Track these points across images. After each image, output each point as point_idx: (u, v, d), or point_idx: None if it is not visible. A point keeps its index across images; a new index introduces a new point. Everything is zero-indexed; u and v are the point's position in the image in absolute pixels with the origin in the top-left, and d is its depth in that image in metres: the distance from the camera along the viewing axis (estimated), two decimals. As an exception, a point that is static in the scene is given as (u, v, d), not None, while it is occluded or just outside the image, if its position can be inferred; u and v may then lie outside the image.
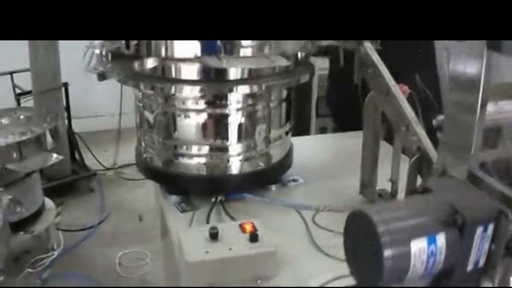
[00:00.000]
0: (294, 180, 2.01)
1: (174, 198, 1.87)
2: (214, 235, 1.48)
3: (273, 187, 1.94)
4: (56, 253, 3.78)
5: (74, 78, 4.37)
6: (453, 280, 0.87)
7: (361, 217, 0.84)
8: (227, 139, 1.79)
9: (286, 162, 1.96)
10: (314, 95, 4.27)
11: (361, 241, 0.85)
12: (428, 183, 0.94)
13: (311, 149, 2.35)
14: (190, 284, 1.45)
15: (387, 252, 0.80)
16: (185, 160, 1.84)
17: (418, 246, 0.81)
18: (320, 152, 2.35)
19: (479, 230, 0.85)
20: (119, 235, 4.14)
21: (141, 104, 1.86)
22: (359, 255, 0.87)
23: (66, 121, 4.63)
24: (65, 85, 4.46)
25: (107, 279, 3.75)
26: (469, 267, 0.88)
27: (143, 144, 1.93)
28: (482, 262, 0.89)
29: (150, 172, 1.93)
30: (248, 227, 1.53)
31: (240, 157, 1.82)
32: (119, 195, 4.60)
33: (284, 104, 1.89)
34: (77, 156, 4.74)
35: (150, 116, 1.84)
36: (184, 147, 1.82)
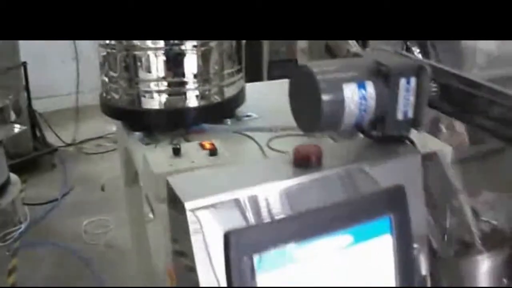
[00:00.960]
0: (248, 116, 2.11)
1: (137, 134, 1.95)
2: (176, 151, 1.58)
3: (229, 121, 2.04)
4: (23, 226, 3.87)
5: (32, 59, 4.42)
6: (386, 126, 1.01)
7: (303, 69, 0.97)
8: (184, 75, 1.90)
9: (239, 97, 2.08)
10: (266, 58, 4.39)
11: (303, 92, 0.98)
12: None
13: (263, 92, 2.45)
14: (156, 197, 1.53)
15: (325, 97, 0.93)
16: (146, 98, 1.94)
17: (350, 89, 0.95)
18: (272, 94, 2.46)
19: (402, 81, 0.99)
20: (83, 206, 4.22)
21: (104, 49, 1.95)
22: (302, 106, 1.00)
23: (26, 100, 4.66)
24: (24, 64, 4.50)
25: (74, 246, 3.79)
26: (399, 116, 1.02)
27: (107, 87, 2.02)
28: (410, 113, 1.04)
29: (115, 112, 2.02)
30: (208, 145, 1.62)
31: (197, 92, 1.93)
32: (80, 168, 4.67)
33: (234, 44, 2.00)
34: (38, 133, 4.78)
35: (112, 59, 1.93)
36: (145, 85, 1.92)
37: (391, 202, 1.04)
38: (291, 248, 0.94)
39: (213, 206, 0.90)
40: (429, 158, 1.30)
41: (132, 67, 1.90)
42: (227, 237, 0.89)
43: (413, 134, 1.12)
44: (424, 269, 1.15)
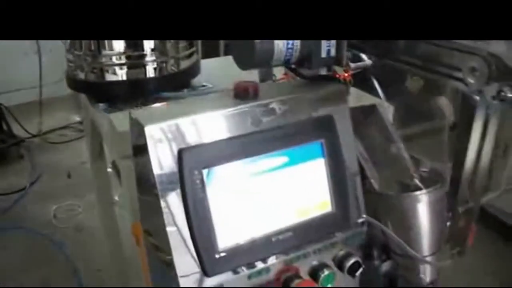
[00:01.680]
0: (203, 86, 2.28)
1: (101, 105, 2.10)
2: (138, 113, 1.74)
3: (185, 90, 2.21)
4: (-8, 216, 3.93)
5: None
6: (312, 63, 1.20)
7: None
8: (143, 49, 2.06)
9: (194, 69, 2.25)
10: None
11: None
12: None
13: (219, 66, 2.60)
14: (121, 154, 1.68)
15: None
16: (109, 72, 2.09)
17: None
18: (227, 68, 2.61)
19: (325, 23, 1.18)
20: (51, 193, 4.32)
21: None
22: (240, 49, 1.19)
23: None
24: (-13, 58, 4.59)
25: (45, 230, 3.91)
26: (323, 54, 1.21)
27: (72, 64, 2.16)
28: (333, 52, 1.22)
29: (81, 86, 2.17)
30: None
31: (155, 64, 2.09)
32: (47, 158, 4.76)
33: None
34: (4, 126, 4.87)
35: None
36: (108, 59, 2.07)
37: (322, 129, 1.22)
38: (236, 164, 1.12)
39: (168, 128, 1.08)
40: (370, 110, 1.50)
41: (94, 45, 2.05)
42: (180, 153, 1.07)
43: (356, 91, 1.31)
44: (359, 194, 1.32)
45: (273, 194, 1.17)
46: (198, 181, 1.06)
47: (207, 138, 1.10)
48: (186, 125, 1.09)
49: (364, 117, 1.53)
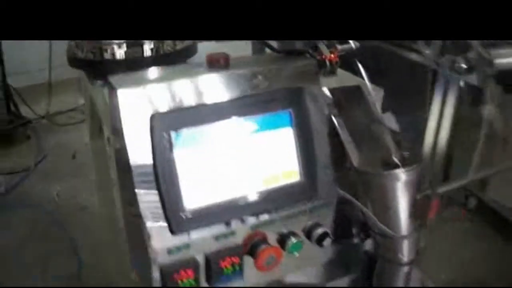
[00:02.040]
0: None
1: (99, 82, 2.15)
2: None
3: (181, 67, 2.25)
4: (-2, 190, 4.00)
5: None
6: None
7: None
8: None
9: (190, 49, 2.29)
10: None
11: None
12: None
13: (217, 47, 2.65)
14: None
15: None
16: (108, 49, 2.14)
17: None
18: (223, 48, 2.67)
19: None
20: (56, 173, 4.39)
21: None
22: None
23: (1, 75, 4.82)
24: (-2, 40, 4.65)
25: (48, 209, 3.99)
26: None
27: (72, 42, 2.21)
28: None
29: (80, 63, 2.22)
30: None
31: (152, 44, 2.14)
32: (53, 139, 4.83)
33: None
34: (12, 107, 4.93)
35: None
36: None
37: (291, 100, 1.26)
38: (205, 128, 1.17)
39: (141, 93, 1.13)
40: (354, 90, 1.54)
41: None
42: (152, 117, 1.12)
43: (342, 72, 1.34)
44: (329, 166, 1.35)
45: (240, 160, 1.21)
46: (166, 143, 1.12)
47: (179, 104, 1.14)
48: (159, 90, 1.13)
49: (348, 97, 1.57)
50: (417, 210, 1.40)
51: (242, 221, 1.20)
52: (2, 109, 4.73)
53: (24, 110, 5.09)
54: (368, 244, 1.67)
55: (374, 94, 1.56)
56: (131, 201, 1.16)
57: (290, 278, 1.56)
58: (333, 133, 1.47)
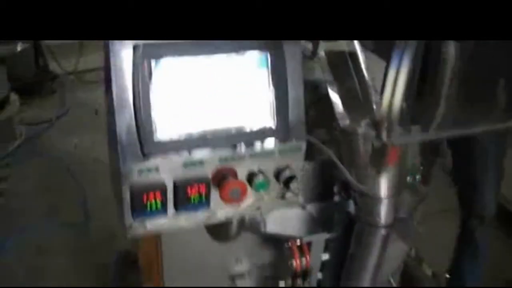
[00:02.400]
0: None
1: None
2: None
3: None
4: (18, 142, 4.13)
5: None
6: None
7: None
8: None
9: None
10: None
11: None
12: None
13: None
14: None
15: None
16: None
17: None
18: None
19: None
20: (77, 127, 4.51)
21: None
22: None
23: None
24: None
25: (66, 159, 4.11)
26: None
27: None
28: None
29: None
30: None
31: None
32: (78, 95, 4.95)
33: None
34: (41, 62, 5.05)
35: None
36: None
37: (270, 43, 1.29)
38: (185, 60, 1.22)
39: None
40: (346, 56, 1.57)
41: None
42: (135, 47, 1.17)
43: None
44: (302, 113, 1.38)
45: (216, 95, 1.26)
46: (146, 71, 1.17)
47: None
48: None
49: (342, 61, 1.60)
50: (375, 159, 1.43)
51: (211, 152, 1.23)
52: (31, 62, 4.83)
53: (53, 66, 5.20)
54: (351, 206, 1.70)
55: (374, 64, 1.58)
56: (111, 125, 1.21)
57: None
58: (323, 94, 1.51)
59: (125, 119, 1.17)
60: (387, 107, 1.31)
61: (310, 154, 1.61)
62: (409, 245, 2.19)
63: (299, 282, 1.71)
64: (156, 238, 1.74)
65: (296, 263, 1.68)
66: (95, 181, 3.81)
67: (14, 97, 4.32)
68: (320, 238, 1.68)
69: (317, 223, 1.73)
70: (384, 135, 1.36)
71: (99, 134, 3.94)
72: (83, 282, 3.06)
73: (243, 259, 1.84)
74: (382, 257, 1.69)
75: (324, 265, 1.81)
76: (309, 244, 1.69)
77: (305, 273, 1.72)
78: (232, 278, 1.85)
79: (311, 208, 1.75)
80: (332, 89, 1.53)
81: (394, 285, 2.03)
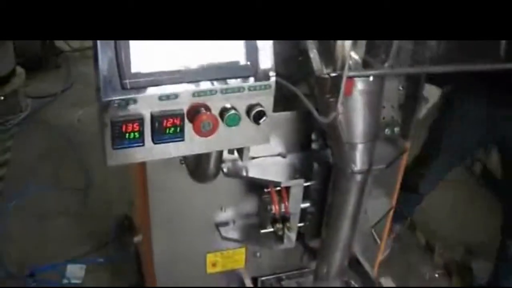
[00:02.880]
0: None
1: None
2: None
3: None
4: (24, 114, 4.25)
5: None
6: None
7: None
8: None
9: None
10: None
11: None
12: None
13: None
14: None
15: None
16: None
17: None
18: None
19: None
20: (80, 100, 4.59)
21: None
22: None
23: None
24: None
25: (68, 131, 4.23)
26: None
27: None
28: None
29: None
30: None
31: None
32: (83, 70, 5.02)
33: None
34: (47, 38, 5.13)
35: None
36: None
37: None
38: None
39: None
40: None
41: None
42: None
43: None
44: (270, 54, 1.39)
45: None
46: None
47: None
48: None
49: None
50: (329, 88, 1.49)
51: (185, 86, 1.31)
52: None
53: (59, 42, 5.28)
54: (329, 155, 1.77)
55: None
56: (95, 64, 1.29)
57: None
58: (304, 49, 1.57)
59: (106, 55, 1.25)
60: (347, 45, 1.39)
61: (288, 104, 1.69)
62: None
63: (278, 226, 1.78)
64: (145, 194, 1.83)
65: (275, 208, 1.76)
66: (96, 152, 3.88)
67: (20, 70, 4.41)
68: (298, 184, 1.74)
69: (297, 171, 1.80)
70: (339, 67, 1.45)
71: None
72: (82, 245, 3.17)
73: (227, 208, 1.92)
74: (359, 205, 1.77)
75: (305, 214, 1.89)
76: (287, 189, 1.75)
77: (284, 219, 1.79)
78: (217, 225, 1.92)
79: (291, 157, 1.83)
80: (311, 46, 1.57)
81: (377, 238, 2.10)
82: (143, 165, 1.76)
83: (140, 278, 2.45)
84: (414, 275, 3.12)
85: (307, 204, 1.85)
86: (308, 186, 1.82)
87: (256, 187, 1.86)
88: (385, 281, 2.10)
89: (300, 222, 1.89)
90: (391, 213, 2.32)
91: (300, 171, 1.80)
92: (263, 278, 2.15)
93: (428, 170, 2.85)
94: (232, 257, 2.04)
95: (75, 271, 2.97)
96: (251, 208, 1.93)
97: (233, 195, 1.91)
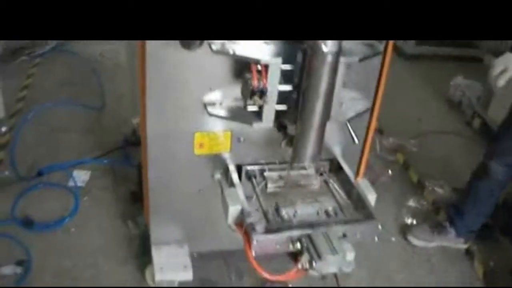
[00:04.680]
0: None
1: None
2: None
3: None
4: (49, 46, 4.54)
5: None
6: None
7: None
8: None
9: None
10: None
11: None
12: None
13: None
14: None
15: None
16: None
17: None
18: None
19: None
20: (104, 38, 4.77)
21: None
22: None
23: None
24: None
25: (90, 63, 4.47)
26: None
27: None
28: None
29: None
30: None
31: None
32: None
33: None
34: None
35: None
36: None
37: None
38: None
39: None
40: None
41: None
42: None
43: None
44: None
45: None
46: None
47: None
48: None
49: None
50: None
51: None
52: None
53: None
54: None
55: None
56: None
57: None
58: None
59: None
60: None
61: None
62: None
63: (256, 99, 1.95)
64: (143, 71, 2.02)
65: (254, 82, 1.92)
66: (113, 80, 4.14)
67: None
68: (276, 63, 1.89)
69: (279, 55, 1.92)
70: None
71: (122, 46, 4.26)
72: (92, 154, 3.39)
73: (215, 89, 2.10)
74: (332, 87, 1.90)
75: (288, 98, 2.02)
76: (267, 68, 1.90)
77: (262, 93, 1.96)
78: (205, 105, 2.12)
79: (275, 43, 1.99)
80: None
81: (354, 136, 2.26)
82: (143, 42, 1.93)
83: (140, 186, 2.53)
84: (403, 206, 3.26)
85: (288, 87, 1.98)
86: (291, 71, 1.95)
87: (242, 71, 2.01)
88: (362, 181, 2.28)
89: (282, 103, 2.02)
90: (374, 129, 2.50)
91: (283, 55, 1.93)
92: (248, 167, 2.31)
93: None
94: (218, 140, 2.22)
95: (80, 175, 3.20)
96: (236, 92, 2.08)
97: (221, 77, 2.07)
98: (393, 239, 3.01)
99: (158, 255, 2.46)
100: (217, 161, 2.30)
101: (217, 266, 2.63)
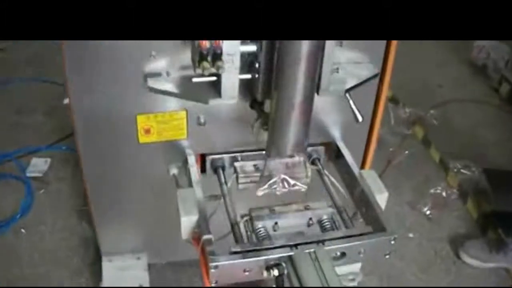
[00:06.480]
0: None
1: None
2: None
3: None
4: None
5: None
6: None
7: None
8: None
9: None
10: None
11: None
12: None
13: None
14: None
15: None
16: None
17: None
18: None
19: None
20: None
21: None
22: None
23: None
24: None
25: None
26: None
27: None
28: None
29: None
30: None
31: None
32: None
33: None
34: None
35: None
36: None
37: None
38: None
39: None
40: None
41: None
42: None
43: None
44: None
45: None
46: None
47: None
48: None
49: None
50: None
51: None
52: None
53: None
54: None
55: None
56: None
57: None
58: None
59: None
60: None
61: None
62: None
63: (204, 65, 1.31)
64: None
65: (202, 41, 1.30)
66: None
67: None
68: None
69: None
70: None
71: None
72: (54, 137, 2.87)
73: (159, 55, 1.47)
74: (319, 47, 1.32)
75: (254, 65, 1.42)
76: None
77: (215, 56, 1.32)
78: (145, 76, 1.48)
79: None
80: None
81: (357, 112, 1.60)
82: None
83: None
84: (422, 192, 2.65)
85: (252, 47, 1.37)
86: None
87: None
88: (369, 174, 1.63)
89: (247, 72, 1.43)
90: (384, 99, 1.83)
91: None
92: (214, 156, 1.70)
93: None
94: (169, 123, 1.60)
95: (39, 164, 2.69)
96: (187, 61, 1.46)
97: (166, 43, 1.45)
98: (411, 235, 2.40)
99: (108, 268, 1.91)
100: (173, 151, 1.67)
101: (188, 277, 2.12)
